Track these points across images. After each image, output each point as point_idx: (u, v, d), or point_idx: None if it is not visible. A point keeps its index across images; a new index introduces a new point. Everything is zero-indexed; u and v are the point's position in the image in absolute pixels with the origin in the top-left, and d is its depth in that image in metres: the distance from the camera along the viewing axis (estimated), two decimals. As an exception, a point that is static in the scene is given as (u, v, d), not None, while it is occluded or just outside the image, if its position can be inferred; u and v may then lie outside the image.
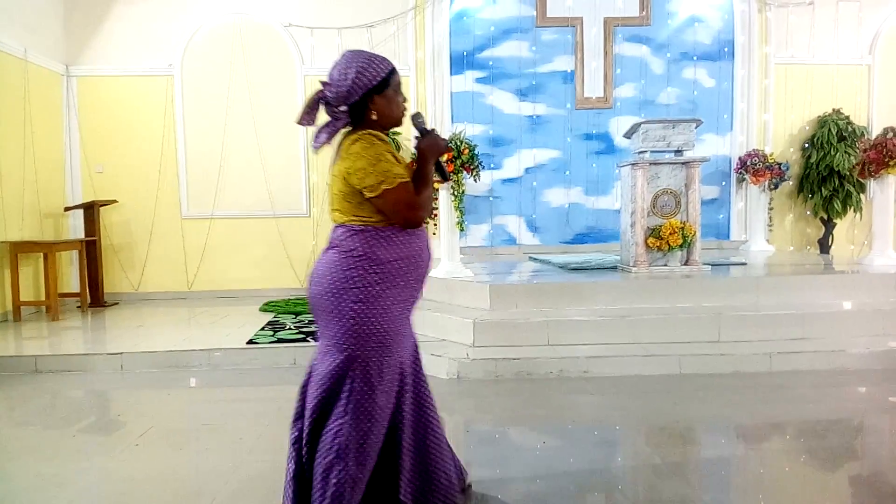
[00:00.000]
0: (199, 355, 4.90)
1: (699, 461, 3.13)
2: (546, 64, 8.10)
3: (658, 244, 5.44)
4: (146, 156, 7.71)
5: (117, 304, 7.43)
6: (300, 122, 2.28)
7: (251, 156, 7.79)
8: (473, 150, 5.47)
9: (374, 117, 2.21)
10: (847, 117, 8.05)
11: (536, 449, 3.24)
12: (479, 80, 8.08)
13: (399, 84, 2.26)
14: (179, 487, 2.84)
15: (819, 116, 8.18)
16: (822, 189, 7.99)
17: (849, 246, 8.42)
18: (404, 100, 2.30)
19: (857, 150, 6.20)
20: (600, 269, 5.96)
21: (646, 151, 5.61)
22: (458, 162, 5.39)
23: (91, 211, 7.27)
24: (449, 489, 2.39)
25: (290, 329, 5.59)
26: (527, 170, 8.17)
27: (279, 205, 7.83)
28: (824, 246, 8.26)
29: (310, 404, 2.22)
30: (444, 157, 2.09)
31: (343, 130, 2.29)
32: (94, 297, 7.21)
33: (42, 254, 6.67)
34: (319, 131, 2.27)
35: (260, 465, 3.05)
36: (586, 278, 5.43)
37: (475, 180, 5.65)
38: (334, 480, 2.08)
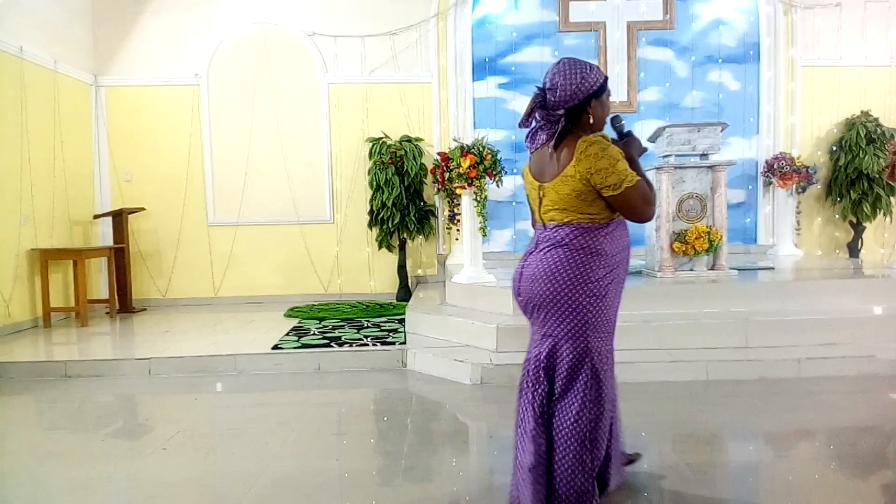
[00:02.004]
0: (225, 360, 4.95)
1: (726, 468, 3.09)
2: (568, 69, 8.07)
3: (684, 249, 5.39)
4: (173, 164, 7.83)
5: (145, 310, 7.54)
6: (520, 125, 2.45)
7: (276, 163, 7.87)
8: (496, 155, 5.48)
9: (591, 120, 2.36)
10: (876, 119, 7.91)
11: (560, 455, 3.21)
12: (501, 86, 8.08)
13: (610, 92, 2.43)
14: (205, 492, 2.87)
15: (847, 119, 8.05)
16: (851, 192, 7.85)
17: (878, 249, 8.26)
18: (609, 105, 2.45)
19: (887, 153, 6.10)
20: (624, 274, 5.91)
21: (671, 155, 5.57)
22: (481, 167, 5.40)
23: (119, 219, 7.39)
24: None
25: (314, 335, 5.62)
26: (550, 175, 8.13)
27: (303, 211, 7.90)
28: (853, 250, 8.11)
29: (539, 398, 2.38)
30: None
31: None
32: (123, 303, 7.33)
33: (72, 261, 6.79)
34: (536, 133, 2.42)
35: (285, 469, 3.07)
36: (610, 283, 5.39)
37: (498, 185, 5.65)
38: (582, 468, 2.29)
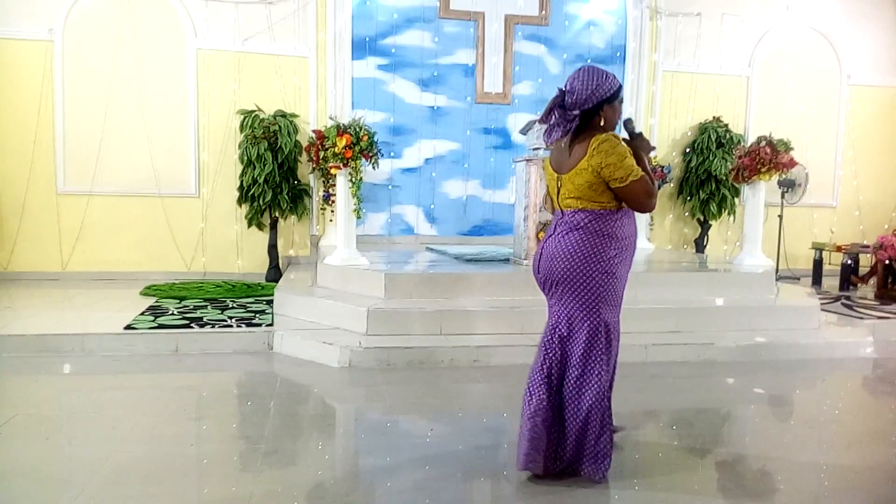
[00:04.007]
0: (72, 340, 4.60)
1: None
2: (448, 56, 8.14)
3: (549, 238, 5.60)
4: (19, 126, 7.13)
5: (-20, 283, 6.86)
6: (540, 122, 2.74)
7: (136, 131, 7.37)
8: (373, 136, 5.44)
9: (602, 123, 2.68)
10: (726, 125, 8.58)
11: (425, 436, 3.27)
12: (380, 67, 8.00)
13: (622, 98, 2.73)
14: (44, 478, 2.67)
15: (700, 123, 8.67)
16: (700, 192, 8.49)
17: (722, 246, 9.01)
18: (621, 110, 2.75)
19: (734, 157, 6.63)
20: (494, 260, 6.08)
21: (540, 148, 5.76)
22: (357, 148, 5.33)
23: (-49, 182, 6.66)
24: None
25: (172, 314, 5.35)
26: (426, 160, 8.19)
27: (165, 184, 7.46)
28: (700, 245, 8.79)
29: (556, 367, 2.72)
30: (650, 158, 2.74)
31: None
32: (-47, 275, 6.62)
33: None
34: (552, 130, 2.69)
35: (134, 454, 2.91)
36: (480, 269, 5.52)
37: (374, 168, 5.61)
38: (604, 428, 2.66)
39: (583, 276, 2.66)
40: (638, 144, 2.76)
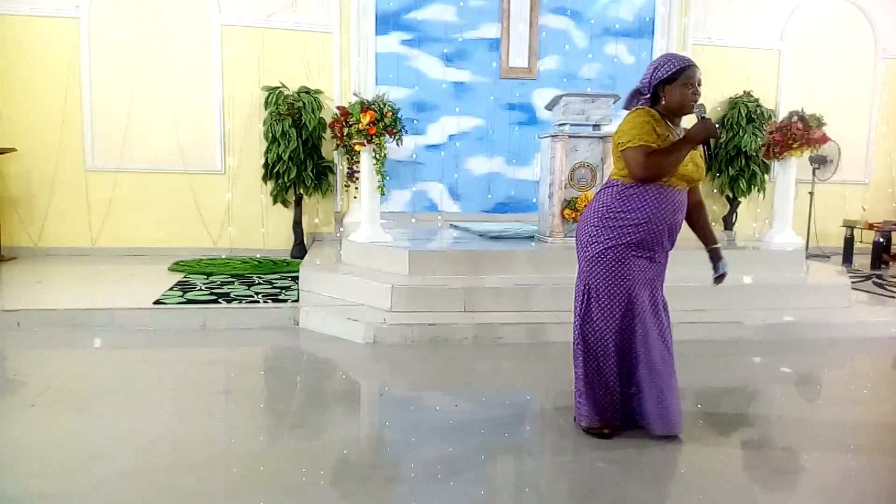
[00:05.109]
0: (103, 315, 4.68)
1: (603, 425, 3.25)
2: (472, 30, 8.04)
3: (574, 216, 5.55)
4: (48, 103, 7.20)
5: (15, 258, 6.98)
6: (624, 107, 3.01)
7: (163, 108, 7.41)
8: (396, 113, 5.40)
9: (664, 102, 2.84)
10: (757, 100, 8.40)
11: (449, 412, 3.28)
12: (404, 42, 7.93)
13: (689, 80, 2.78)
14: (76, 450, 2.73)
15: (731, 98, 8.50)
16: (730, 168, 8.35)
17: (751, 223, 8.87)
18: (693, 92, 2.80)
19: (764, 132, 6.49)
20: (518, 238, 6.05)
21: (566, 124, 5.69)
22: (381, 125, 5.31)
23: (-16, 159, 6.77)
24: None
25: (200, 290, 5.42)
26: (450, 136, 8.14)
27: (191, 159, 7.51)
28: (728, 223, 8.66)
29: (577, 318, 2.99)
30: (713, 143, 2.81)
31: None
32: (-13, 251, 6.76)
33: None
34: (633, 99, 2.97)
35: (164, 427, 2.96)
36: (504, 247, 5.50)
37: (398, 144, 5.59)
38: (577, 374, 2.99)
39: (584, 234, 2.94)
40: (696, 128, 2.76)
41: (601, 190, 2.96)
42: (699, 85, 2.83)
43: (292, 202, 7.53)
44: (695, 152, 2.87)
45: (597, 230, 2.87)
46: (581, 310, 2.93)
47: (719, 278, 3.14)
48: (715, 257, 3.15)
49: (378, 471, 2.62)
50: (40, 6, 7.10)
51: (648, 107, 2.86)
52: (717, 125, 2.90)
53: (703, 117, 2.81)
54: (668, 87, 2.81)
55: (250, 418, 3.18)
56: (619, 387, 2.94)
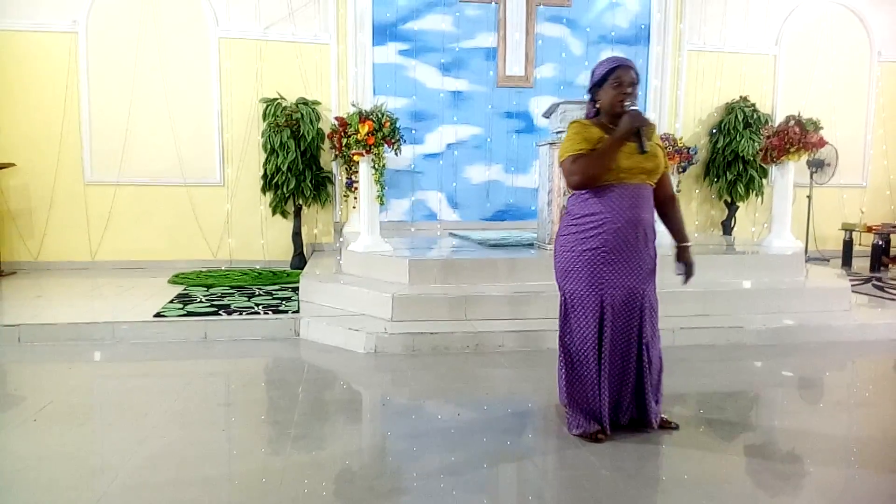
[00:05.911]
0: (103, 328, 4.68)
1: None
2: (469, 39, 8.08)
3: (573, 222, 5.55)
4: (47, 117, 7.22)
5: (15, 273, 6.99)
6: (587, 117, 3.10)
7: (161, 120, 7.43)
8: (395, 123, 5.42)
9: (598, 105, 2.98)
10: (753, 105, 8.43)
11: (451, 421, 3.28)
12: (401, 52, 7.97)
13: (617, 80, 2.85)
14: (80, 464, 2.72)
15: (727, 103, 8.53)
16: (727, 173, 8.36)
17: (750, 228, 8.88)
18: (623, 92, 2.84)
19: (761, 137, 6.51)
20: (518, 245, 6.05)
21: (563, 131, 5.68)
22: (380, 135, 5.32)
23: (-17, 174, 6.78)
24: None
25: (200, 302, 5.42)
26: (448, 145, 8.16)
27: (190, 172, 7.53)
28: (727, 227, 8.68)
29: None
30: (649, 133, 2.88)
31: None
32: (-13, 265, 6.76)
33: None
34: (589, 107, 3.08)
35: (166, 440, 2.96)
36: (504, 255, 5.51)
37: (396, 154, 5.60)
38: (561, 381, 3.16)
39: (556, 249, 3.06)
40: (626, 117, 2.81)
41: (567, 200, 3.07)
42: (632, 84, 2.85)
43: (291, 213, 7.54)
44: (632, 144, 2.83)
45: (565, 238, 2.99)
46: (560, 320, 3.04)
47: (685, 277, 3.17)
48: (679, 256, 3.15)
49: (382, 481, 2.61)
50: (38, 21, 7.13)
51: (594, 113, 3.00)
52: (644, 114, 2.90)
53: (628, 110, 2.83)
54: (600, 90, 2.93)
55: (253, 430, 3.17)
56: (605, 392, 2.96)
